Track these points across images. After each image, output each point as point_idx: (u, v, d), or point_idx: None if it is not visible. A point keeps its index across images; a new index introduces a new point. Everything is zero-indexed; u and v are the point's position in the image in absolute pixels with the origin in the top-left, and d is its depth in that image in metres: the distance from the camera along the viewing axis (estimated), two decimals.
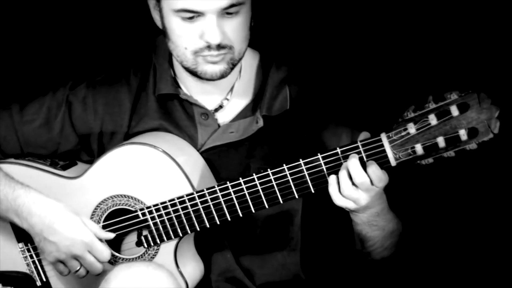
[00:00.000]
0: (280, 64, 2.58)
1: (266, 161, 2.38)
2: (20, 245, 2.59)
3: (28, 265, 2.60)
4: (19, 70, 3.14)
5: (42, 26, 3.11)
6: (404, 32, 2.90)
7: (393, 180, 2.31)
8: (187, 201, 2.42)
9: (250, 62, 2.58)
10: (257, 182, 2.36)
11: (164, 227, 2.45)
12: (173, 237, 2.46)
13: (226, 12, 2.37)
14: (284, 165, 2.34)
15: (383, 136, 2.25)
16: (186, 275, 2.48)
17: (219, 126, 2.55)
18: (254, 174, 2.36)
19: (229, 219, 2.41)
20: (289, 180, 2.34)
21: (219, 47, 2.39)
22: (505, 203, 2.83)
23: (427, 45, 2.88)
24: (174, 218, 2.44)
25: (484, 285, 2.78)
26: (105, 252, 2.47)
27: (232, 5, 2.36)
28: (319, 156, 2.31)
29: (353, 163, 2.26)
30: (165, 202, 2.44)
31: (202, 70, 2.43)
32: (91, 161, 2.57)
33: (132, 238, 2.55)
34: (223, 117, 2.56)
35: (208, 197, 2.40)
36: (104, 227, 2.50)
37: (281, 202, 2.36)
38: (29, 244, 2.58)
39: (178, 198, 2.42)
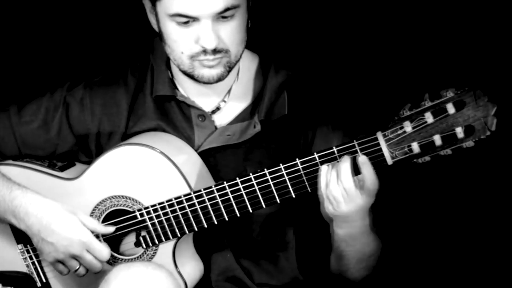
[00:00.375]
0: (279, 67, 2.56)
1: (263, 165, 2.37)
2: (20, 246, 2.59)
3: (28, 266, 2.60)
4: (17, 71, 3.14)
5: (40, 27, 3.11)
6: (400, 30, 2.89)
7: (390, 178, 2.31)
8: (184, 201, 2.42)
9: (248, 65, 2.56)
10: (254, 182, 2.36)
11: (162, 227, 2.45)
12: (171, 237, 2.46)
13: (221, 16, 2.35)
14: (281, 164, 2.34)
15: (379, 135, 2.24)
16: (185, 275, 2.48)
17: (216, 128, 2.54)
18: (251, 174, 2.36)
19: (226, 219, 2.41)
20: (286, 180, 2.34)
21: (215, 51, 2.37)
22: (503, 201, 2.82)
23: (423, 43, 2.87)
24: (172, 219, 2.44)
25: (484, 285, 2.78)
26: (104, 251, 2.47)
27: (227, 9, 2.34)
28: (316, 155, 2.31)
29: (344, 167, 2.25)
30: (162, 203, 2.44)
31: (199, 74, 2.42)
32: (89, 162, 2.57)
33: (130, 238, 2.55)
34: (221, 119, 2.55)
35: (205, 197, 2.40)
36: None
37: (278, 201, 2.36)
38: (28, 246, 2.59)
39: (175, 198, 2.42)
